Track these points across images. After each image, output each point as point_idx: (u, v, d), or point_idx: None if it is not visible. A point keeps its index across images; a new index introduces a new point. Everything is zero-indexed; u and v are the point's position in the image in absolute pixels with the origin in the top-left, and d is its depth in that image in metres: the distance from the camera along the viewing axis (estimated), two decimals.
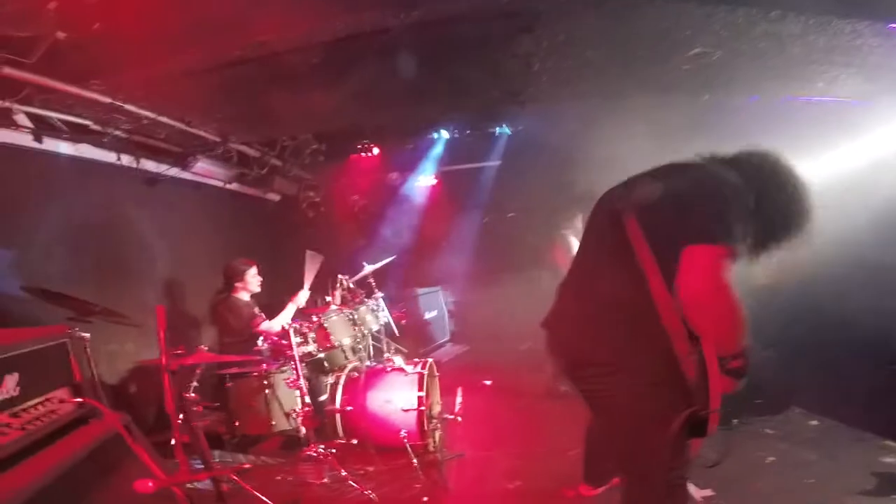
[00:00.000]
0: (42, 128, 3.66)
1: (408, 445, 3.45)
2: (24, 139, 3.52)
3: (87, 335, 2.71)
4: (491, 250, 7.58)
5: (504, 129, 6.52)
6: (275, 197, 6.88)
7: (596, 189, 2.04)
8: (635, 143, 3.68)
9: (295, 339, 3.44)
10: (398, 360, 4.04)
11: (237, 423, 3.74)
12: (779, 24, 3.16)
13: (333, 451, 3.39)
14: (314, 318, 4.10)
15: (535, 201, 6.82)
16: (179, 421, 2.64)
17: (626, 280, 1.75)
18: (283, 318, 4.33)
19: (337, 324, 4.12)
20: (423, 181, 7.40)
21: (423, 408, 3.59)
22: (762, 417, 3.72)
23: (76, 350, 2.49)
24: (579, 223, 4.51)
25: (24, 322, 3.47)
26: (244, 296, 4.34)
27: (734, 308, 1.59)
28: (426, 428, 3.62)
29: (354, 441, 3.61)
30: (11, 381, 1.88)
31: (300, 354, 3.58)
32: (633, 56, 3.82)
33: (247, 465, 3.47)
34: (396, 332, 4.77)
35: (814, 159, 3.57)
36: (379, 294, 4.82)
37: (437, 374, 4.01)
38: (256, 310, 4.42)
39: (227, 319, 4.18)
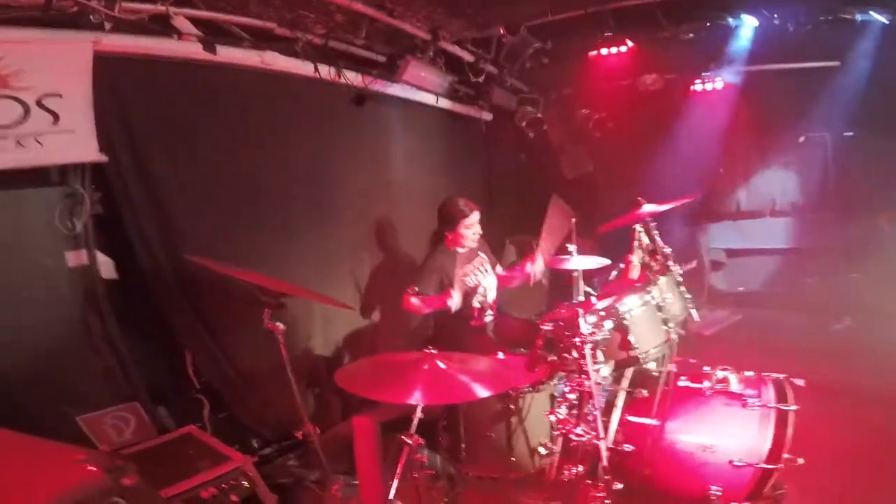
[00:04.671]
0: (214, 35, 2.76)
1: None
2: (194, 49, 2.60)
3: (282, 325, 2.20)
4: (793, 181, 5.66)
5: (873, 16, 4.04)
6: (487, 116, 5.54)
7: None
8: None
9: (593, 364, 2.05)
10: (725, 375, 2.39)
11: (464, 454, 2.45)
12: None
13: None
14: (601, 309, 2.36)
15: None
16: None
17: None
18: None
19: (641, 319, 2.36)
20: (704, 86, 5.25)
21: (775, 465, 2.20)
22: None
23: None
24: None
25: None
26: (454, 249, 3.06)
27: None
28: (765, 491, 2.29)
29: (619, 485, 2.21)
30: None
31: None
32: None
33: None
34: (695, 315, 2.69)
35: None
36: (667, 249, 2.72)
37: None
38: (470, 268, 3.03)
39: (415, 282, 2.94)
